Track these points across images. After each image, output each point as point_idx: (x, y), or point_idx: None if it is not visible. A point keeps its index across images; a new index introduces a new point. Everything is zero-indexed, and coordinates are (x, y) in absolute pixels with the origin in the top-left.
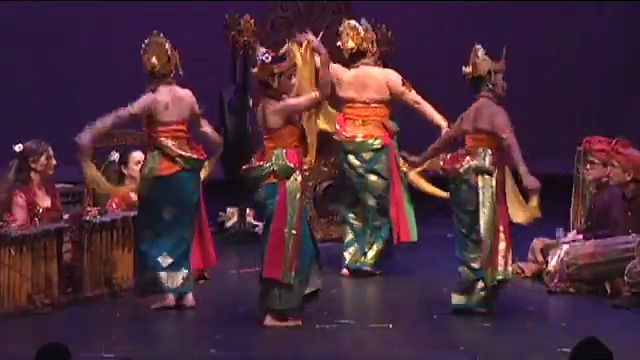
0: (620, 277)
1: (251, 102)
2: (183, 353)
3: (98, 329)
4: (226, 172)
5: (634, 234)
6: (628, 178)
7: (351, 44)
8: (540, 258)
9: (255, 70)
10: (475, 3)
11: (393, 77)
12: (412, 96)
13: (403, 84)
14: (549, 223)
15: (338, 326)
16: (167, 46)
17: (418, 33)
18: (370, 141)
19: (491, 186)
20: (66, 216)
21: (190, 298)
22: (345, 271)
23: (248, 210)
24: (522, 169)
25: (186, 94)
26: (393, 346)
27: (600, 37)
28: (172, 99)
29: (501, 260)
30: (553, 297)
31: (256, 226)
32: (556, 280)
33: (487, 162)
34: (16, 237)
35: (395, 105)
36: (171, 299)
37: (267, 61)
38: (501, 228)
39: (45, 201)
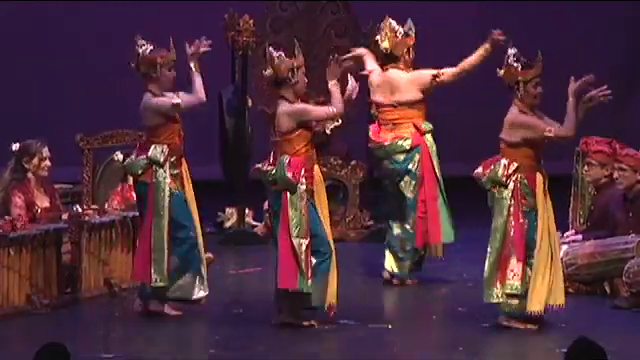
0: (619, 277)
1: (250, 103)
2: (183, 353)
3: (97, 329)
4: (225, 172)
5: (634, 234)
6: (639, 177)
7: (386, 45)
8: None
9: (273, 67)
10: (476, 3)
11: (422, 76)
12: (447, 72)
13: (432, 75)
14: None
15: (337, 326)
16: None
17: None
18: (400, 142)
19: (503, 198)
20: (65, 216)
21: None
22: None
23: (247, 210)
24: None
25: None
26: (393, 346)
27: (600, 37)
28: None
29: (510, 273)
30: None
31: (255, 226)
32: None
33: (500, 173)
34: (15, 237)
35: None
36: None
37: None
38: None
39: (44, 201)
